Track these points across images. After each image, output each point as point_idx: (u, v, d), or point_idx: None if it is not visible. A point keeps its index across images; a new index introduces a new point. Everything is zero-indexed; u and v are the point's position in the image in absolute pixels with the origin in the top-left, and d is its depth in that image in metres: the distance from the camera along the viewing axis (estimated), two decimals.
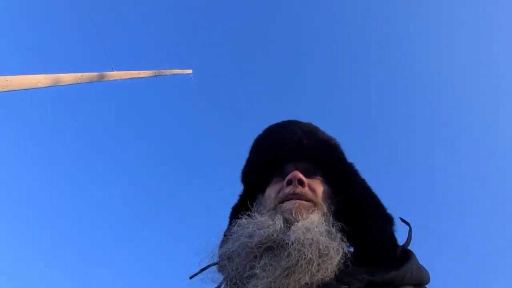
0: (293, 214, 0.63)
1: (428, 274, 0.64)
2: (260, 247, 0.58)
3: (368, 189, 0.76)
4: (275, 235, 0.58)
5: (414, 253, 0.63)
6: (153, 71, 7.03)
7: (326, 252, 0.55)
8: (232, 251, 0.62)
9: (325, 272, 0.53)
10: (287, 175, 0.72)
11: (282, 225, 0.60)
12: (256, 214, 0.67)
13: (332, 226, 0.62)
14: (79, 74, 4.66)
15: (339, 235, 0.61)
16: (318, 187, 0.73)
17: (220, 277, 0.65)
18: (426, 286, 0.62)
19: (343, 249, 0.58)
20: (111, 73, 5.48)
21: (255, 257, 0.57)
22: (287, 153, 0.80)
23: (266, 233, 0.58)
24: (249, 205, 0.74)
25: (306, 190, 0.70)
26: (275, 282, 0.52)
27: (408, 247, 0.65)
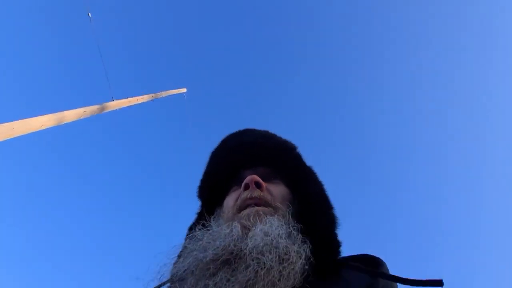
0: (251, 220, 0.58)
1: (397, 285, 0.60)
2: (216, 261, 0.50)
3: (320, 191, 0.74)
4: (232, 245, 0.52)
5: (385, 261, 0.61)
6: (150, 95, 6.85)
7: (287, 257, 0.50)
8: (185, 270, 0.53)
9: (288, 280, 0.48)
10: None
11: (240, 233, 0.54)
12: (212, 223, 0.61)
13: (293, 228, 0.57)
14: (82, 109, 4.45)
15: (300, 237, 0.56)
16: (277, 190, 0.70)
17: None
18: None
19: (305, 251, 0.54)
20: (112, 103, 5.28)
21: (212, 274, 0.50)
22: (243, 159, 0.76)
23: (222, 244, 0.52)
24: (207, 220, 0.67)
25: (264, 193, 0.66)
26: None
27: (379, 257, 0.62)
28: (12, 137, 3.31)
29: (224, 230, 0.55)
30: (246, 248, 0.50)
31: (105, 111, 5.07)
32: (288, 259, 0.50)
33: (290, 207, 0.66)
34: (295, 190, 0.73)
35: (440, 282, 0.51)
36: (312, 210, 0.68)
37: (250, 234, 0.53)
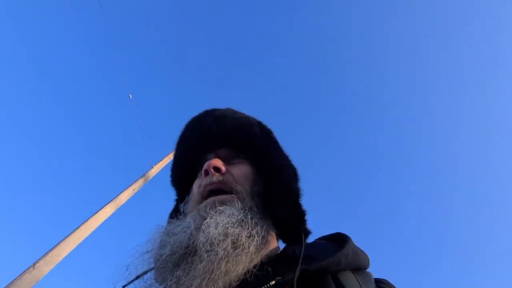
0: (207, 211, 0.57)
1: (368, 258, 0.61)
2: (173, 256, 0.52)
3: (283, 168, 0.74)
4: (186, 240, 0.53)
5: (351, 238, 0.61)
6: None
7: (240, 243, 0.51)
8: (151, 268, 0.56)
9: (242, 266, 0.49)
10: None
11: (192, 227, 0.55)
12: (173, 220, 0.62)
13: (248, 212, 0.58)
14: (131, 188, 4.99)
15: (253, 220, 0.56)
16: (239, 171, 0.69)
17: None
18: (366, 270, 0.59)
19: (258, 233, 0.55)
20: (153, 170, 5.81)
21: (171, 270, 0.52)
22: (204, 144, 0.76)
23: (178, 241, 0.54)
24: (179, 209, 0.70)
25: (224, 177, 0.66)
26: None
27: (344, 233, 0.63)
28: (84, 237, 3.90)
29: (181, 225, 0.57)
30: (199, 242, 0.51)
31: (148, 180, 5.62)
32: (241, 245, 0.51)
33: (253, 186, 0.67)
34: (259, 167, 0.73)
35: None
36: (272, 186, 0.69)
37: (202, 227, 0.53)
